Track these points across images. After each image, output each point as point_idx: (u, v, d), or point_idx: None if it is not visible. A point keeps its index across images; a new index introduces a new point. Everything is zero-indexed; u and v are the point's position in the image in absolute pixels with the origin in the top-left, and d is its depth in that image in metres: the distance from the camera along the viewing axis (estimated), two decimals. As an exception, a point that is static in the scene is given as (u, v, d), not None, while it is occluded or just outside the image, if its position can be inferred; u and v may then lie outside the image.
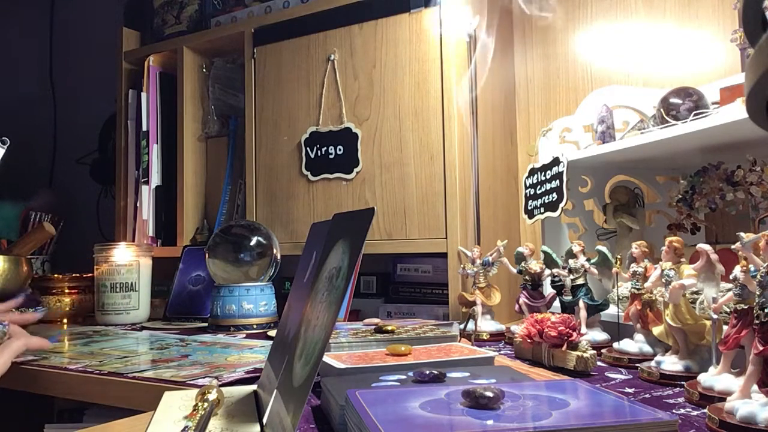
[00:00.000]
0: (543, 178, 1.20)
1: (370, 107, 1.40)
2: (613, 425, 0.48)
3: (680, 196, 1.04)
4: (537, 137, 1.36)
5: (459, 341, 0.91)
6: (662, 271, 0.77)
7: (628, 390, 0.72)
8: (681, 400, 0.67)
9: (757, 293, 0.57)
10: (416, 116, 1.34)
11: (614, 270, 0.95)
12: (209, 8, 1.73)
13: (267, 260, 1.42)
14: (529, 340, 0.89)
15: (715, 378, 0.65)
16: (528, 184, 1.25)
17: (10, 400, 1.17)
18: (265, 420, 0.57)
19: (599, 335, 0.99)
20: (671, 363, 0.76)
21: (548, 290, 1.09)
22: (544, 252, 1.09)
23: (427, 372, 0.66)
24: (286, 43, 1.52)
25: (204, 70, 1.76)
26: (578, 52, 1.56)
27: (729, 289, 0.64)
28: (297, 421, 0.46)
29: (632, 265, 0.88)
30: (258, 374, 0.80)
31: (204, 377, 0.83)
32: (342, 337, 0.87)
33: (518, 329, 0.94)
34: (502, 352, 1.00)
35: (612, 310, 1.00)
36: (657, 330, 0.81)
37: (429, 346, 0.86)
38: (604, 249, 0.99)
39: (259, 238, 1.43)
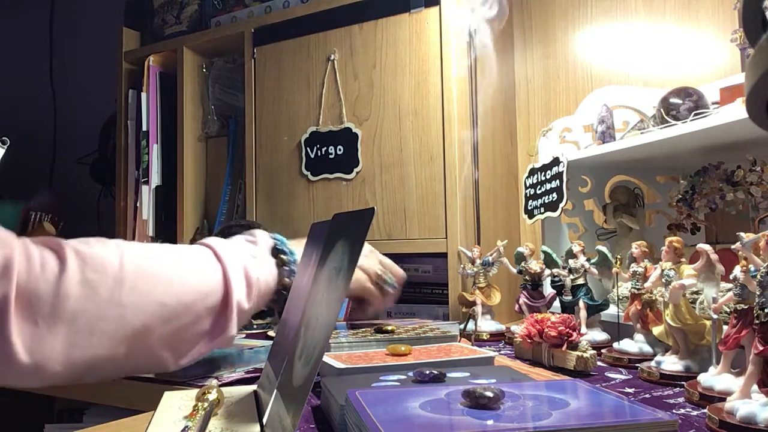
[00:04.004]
0: (543, 178, 1.20)
1: (370, 107, 1.40)
2: (613, 425, 0.48)
3: (680, 196, 1.04)
4: (537, 137, 1.36)
5: (459, 341, 0.91)
6: (662, 271, 0.77)
7: (628, 390, 0.72)
8: (681, 400, 0.67)
9: (757, 293, 0.57)
10: (416, 116, 1.34)
11: (614, 270, 0.95)
12: (209, 8, 1.73)
13: (267, 260, 1.42)
14: (529, 340, 0.89)
15: (715, 378, 0.65)
16: (528, 184, 1.25)
17: (10, 400, 1.17)
18: (265, 420, 0.57)
19: (599, 335, 0.99)
20: (671, 363, 0.75)
21: (548, 290, 1.09)
22: (544, 252, 1.09)
23: (427, 372, 0.66)
24: (286, 43, 1.52)
25: (204, 70, 1.76)
26: (578, 52, 1.56)
27: (729, 289, 0.64)
28: (297, 421, 0.46)
29: (632, 265, 0.88)
30: (258, 374, 0.80)
31: (204, 377, 0.83)
32: (342, 337, 0.87)
33: (518, 329, 0.94)
34: (502, 352, 1.00)
35: (612, 310, 1.00)
36: (657, 330, 0.81)
37: (429, 346, 0.86)
38: (604, 249, 0.99)
39: (259, 238, 1.42)
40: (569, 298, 1.02)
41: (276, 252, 0.80)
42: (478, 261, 1.17)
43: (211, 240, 0.75)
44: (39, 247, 0.60)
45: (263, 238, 0.80)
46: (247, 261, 0.74)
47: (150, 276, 0.64)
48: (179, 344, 0.66)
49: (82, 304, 0.58)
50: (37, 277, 0.57)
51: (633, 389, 0.72)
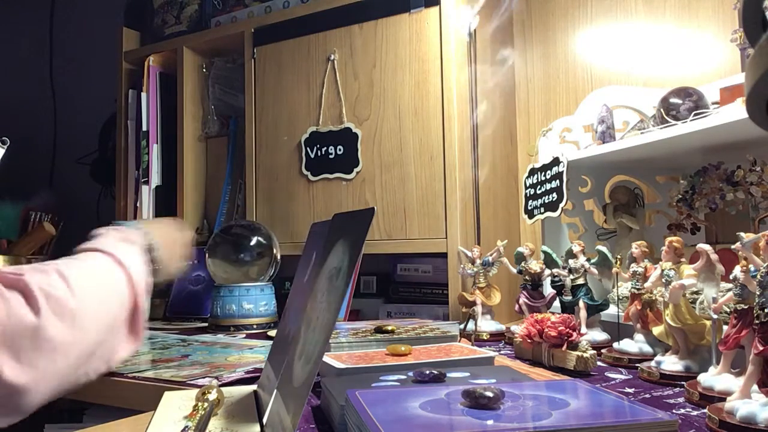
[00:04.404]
0: (543, 178, 1.20)
1: (370, 107, 1.40)
2: (613, 425, 0.48)
3: (680, 196, 1.04)
4: (537, 137, 1.36)
5: (459, 341, 0.91)
6: (662, 271, 0.77)
7: (628, 390, 0.72)
8: (681, 400, 0.67)
9: (757, 293, 0.57)
10: (416, 116, 1.34)
11: (614, 270, 0.95)
12: (209, 8, 1.73)
13: (267, 260, 1.42)
14: (529, 340, 0.89)
15: (715, 378, 0.65)
16: (528, 184, 1.25)
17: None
18: (265, 420, 0.57)
19: (599, 335, 0.99)
20: (671, 363, 0.76)
21: (548, 290, 1.09)
22: (544, 252, 1.09)
23: (427, 372, 0.66)
24: (286, 43, 1.52)
25: (204, 70, 1.76)
26: (578, 52, 1.56)
27: (729, 289, 0.64)
28: (297, 421, 0.46)
29: (632, 265, 0.88)
30: (258, 374, 0.80)
31: (204, 377, 0.83)
32: (342, 337, 0.87)
33: (518, 329, 0.94)
34: (502, 352, 1.00)
35: (612, 310, 1.00)
36: (657, 330, 0.81)
37: (429, 346, 0.86)
38: (604, 249, 0.99)
39: (259, 238, 1.43)
40: (569, 298, 1.02)
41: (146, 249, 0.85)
42: (478, 261, 1.17)
43: (101, 244, 0.78)
44: (6, 287, 0.62)
45: (136, 237, 0.84)
46: (140, 264, 0.79)
47: (93, 297, 0.69)
48: (109, 354, 0.72)
49: (57, 336, 0.63)
50: (18, 316, 0.61)
51: (633, 389, 0.72)
